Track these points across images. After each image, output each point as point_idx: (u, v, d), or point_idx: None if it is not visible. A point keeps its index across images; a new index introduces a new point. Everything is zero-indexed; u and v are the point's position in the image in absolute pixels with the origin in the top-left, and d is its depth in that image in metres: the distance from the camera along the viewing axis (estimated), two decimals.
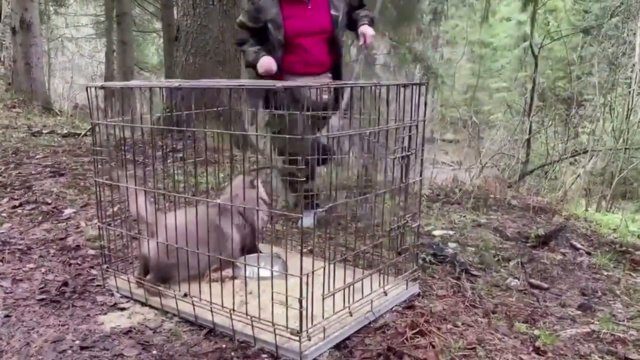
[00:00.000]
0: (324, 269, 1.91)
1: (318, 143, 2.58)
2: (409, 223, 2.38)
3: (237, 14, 4.65)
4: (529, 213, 4.23)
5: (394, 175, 2.29)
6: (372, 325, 2.12)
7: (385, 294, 2.26)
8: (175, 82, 2.19)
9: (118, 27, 10.19)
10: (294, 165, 2.47)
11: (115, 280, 2.40)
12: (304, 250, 2.14)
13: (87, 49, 15.61)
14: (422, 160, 2.37)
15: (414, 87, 2.23)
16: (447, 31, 17.51)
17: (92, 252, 2.83)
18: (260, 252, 2.57)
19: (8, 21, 9.27)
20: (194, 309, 2.10)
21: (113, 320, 2.15)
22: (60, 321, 2.12)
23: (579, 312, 2.39)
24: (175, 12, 8.36)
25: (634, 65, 9.98)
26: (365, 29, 3.06)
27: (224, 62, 5.62)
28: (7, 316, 2.15)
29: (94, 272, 2.60)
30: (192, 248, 2.18)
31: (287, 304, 1.85)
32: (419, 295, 2.43)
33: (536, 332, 2.12)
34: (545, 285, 2.69)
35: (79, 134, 6.30)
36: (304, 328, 1.86)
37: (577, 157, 8.27)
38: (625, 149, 7.43)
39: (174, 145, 4.17)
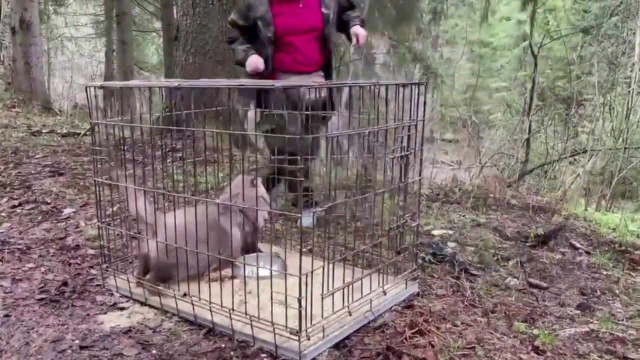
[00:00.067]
0: (323, 268, 1.92)
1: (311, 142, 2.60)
2: (408, 222, 2.38)
3: None
4: (528, 212, 4.24)
5: (393, 174, 2.29)
6: (371, 325, 2.13)
7: (385, 293, 2.26)
8: (174, 82, 2.19)
9: (118, 26, 10.19)
10: (288, 163, 2.49)
11: (115, 279, 2.40)
12: (304, 249, 2.14)
13: (87, 49, 15.60)
14: (421, 159, 2.37)
15: (413, 86, 2.23)
16: (447, 31, 17.52)
17: (91, 251, 2.83)
18: (260, 251, 2.58)
19: (8, 21, 9.26)
20: (193, 308, 2.10)
21: (113, 320, 2.15)
22: (59, 321, 2.12)
23: (578, 312, 2.40)
24: (174, 11, 8.36)
25: (633, 64, 9.98)
26: (358, 30, 3.08)
27: (223, 61, 5.62)
28: (6, 316, 2.15)
29: (93, 271, 2.60)
30: (193, 247, 2.18)
31: (286, 303, 1.86)
32: (418, 294, 2.43)
33: (535, 331, 2.12)
34: (545, 285, 2.69)
35: (78, 134, 6.30)
36: (303, 327, 1.86)
37: (576, 157, 8.28)
38: (625, 148, 7.44)
39: (174, 145, 4.18)
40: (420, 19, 10.78)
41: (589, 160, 7.58)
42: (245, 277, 2.26)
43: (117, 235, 2.53)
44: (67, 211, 3.42)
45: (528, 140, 8.54)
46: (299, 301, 1.83)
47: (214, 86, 2.26)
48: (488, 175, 6.84)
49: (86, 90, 2.32)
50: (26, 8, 8.55)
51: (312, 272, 1.84)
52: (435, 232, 3.40)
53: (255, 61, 2.98)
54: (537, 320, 2.26)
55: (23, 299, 2.30)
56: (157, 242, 2.24)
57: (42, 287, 2.40)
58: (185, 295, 2.17)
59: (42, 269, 2.60)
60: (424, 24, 11.25)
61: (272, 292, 1.90)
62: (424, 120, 2.31)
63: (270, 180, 3.00)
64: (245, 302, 2.05)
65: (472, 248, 3.14)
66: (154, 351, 1.92)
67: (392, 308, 2.27)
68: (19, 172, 4.29)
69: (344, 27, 3.20)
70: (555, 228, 3.56)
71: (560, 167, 7.90)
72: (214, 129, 2.42)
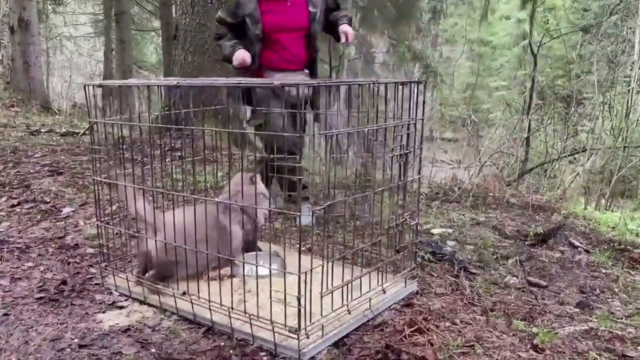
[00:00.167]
0: (323, 267, 1.91)
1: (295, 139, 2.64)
2: (407, 221, 2.38)
3: None
4: (527, 211, 4.24)
5: (393, 173, 2.29)
6: (370, 323, 2.13)
7: (384, 291, 2.26)
8: (173, 81, 2.19)
9: (117, 25, 10.17)
10: (277, 159, 2.50)
11: (114, 278, 2.40)
12: (303, 248, 2.14)
13: (86, 48, 15.58)
14: (420, 158, 2.37)
15: (413, 85, 2.23)
16: (446, 29, 17.51)
17: (90, 250, 2.83)
18: (260, 250, 2.58)
19: (6, 20, 9.26)
20: (192, 307, 2.10)
21: (112, 319, 2.15)
22: (58, 319, 2.12)
23: (577, 310, 2.40)
24: (173, 10, 8.35)
25: (633, 63, 9.98)
26: (346, 28, 3.12)
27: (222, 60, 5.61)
28: (5, 315, 2.15)
29: (92, 270, 2.60)
30: (197, 246, 2.17)
31: (285, 302, 1.86)
32: (417, 293, 2.43)
33: (534, 329, 2.12)
34: (544, 283, 2.69)
35: (77, 133, 6.29)
36: (302, 326, 1.86)
37: (576, 156, 8.28)
38: (624, 147, 7.44)
39: (173, 144, 4.17)
40: (419, 17, 10.77)
41: (588, 159, 7.58)
42: (244, 275, 2.26)
43: (116, 234, 2.53)
44: (66, 210, 3.42)
45: (528, 139, 8.54)
46: (298, 300, 1.83)
47: (213, 85, 2.26)
48: (487, 174, 6.85)
49: (85, 89, 2.32)
50: (25, 7, 8.53)
51: (311, 270, 1.84)
52: (434, 231, 3.40)
53: (242, 55, 3.00)
54: (536, 319, 2.26)
55: (22, 298, 2.30)
56: (159, 239, 2.24)
57: (41, 286, 2.40)
58: (184, 293, 2.17)
59: (41, 268, 2.60)
60: (423, 22, 11.24)
61: (271, 291, 1.90)
62: (423, 119, 2.31)
63: (265, 175, 3.02)
64: (245, 301, 2.05)
65: (472, 247, 3.14)
66: (153, 350, 1.92)
67: (392, 306, 2.27)
68: (17, 172, 4.29)
69: (330, 27, 3.24)
70: (555, 227, 3.56)
71: (559, 166, 7.90)
72: (213, 128, 2.41)
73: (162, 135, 2.88)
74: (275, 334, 1.88)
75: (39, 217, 3.32)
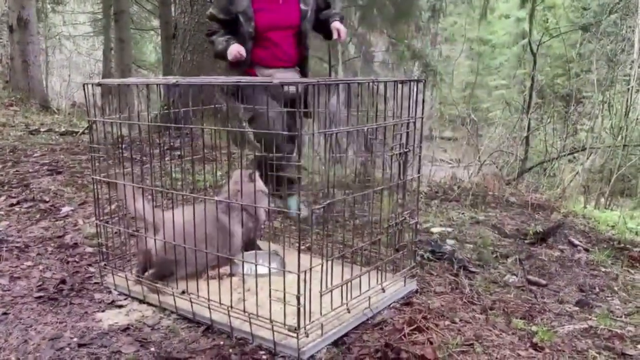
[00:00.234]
0: (322, 266, 1.91)
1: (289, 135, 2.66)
2: (407, 220, 2.38)
3: None
4: (527, 210, 4.24)
5: (392, 172, 2.29)
6: (369, 322, 2.13)
7: (383, 290, 2.26)
8: (172, 79, 2.19)
9: (116, 24, 10.15)
10: (267, 151, 2.52)
11: (113, 277, 2.40)
12: (302, 247, 2.14)
13: (85, 47, 15.55)
14: (420, 157, 2.37)
15: (412, 83, 2.22)
16: (446, 28, 17.48)
17: (89, 249, 2.82)
18: (259, 248, 2.58)
19: (5, 19, 9.25)
20: (191, 306, 2.10)
21: (111, 318, 2.15)
22: (58, 318, 2.12)
23: (577, 309, 2.40)
24: (172, 9, 8.34)
25: (632, 62, 9.97)
26: (338, 25, 3.14)
27: None
28: (5, 314, 2.15)
29: (91, 269, 2.60)
30: (198, 245, 2.17)
31: (285, 300, 1.86)
32: (416, 291, 2.43)
33: (534, 328, 2.13)
34: (543, 282, 2.69)
35: (76, 132, 6.29)
36: (301, 325, 1.86)
37: (575, 155, 8.27)
38: (624, 146, 7.43)
39: (172, 143, 4.17)
40: (419, 16, 10.74)
41: (588, 158, 7.57)
42: (243, 274, 2.26)
43: (116, 233, 2.53)
44: (66, 209, 3.42)
45: (527, 138, 8.53)
46: (298, 298, 1.83)
47: (212, 83, 2.26)
48: (487, 173, 6.85)
49: (84, 88, 2.31)
50: (24, 6, 8.52)
51: (310, 269, 1.84)
52: (434, 230, 3.40)
53: (236, 49, 3.01)
54: (536, 317, 2.26)
55: (21, 297, 2.29)
56: (158, 239, 2.23)
57: (40, 285, 2.40)
58: (183, 292, 2.17)
59: (41, 267, 2.60)
60: (422, 21, 11.20)
61: (270, 290, 1.90)
62: (422, 118, 2.30)
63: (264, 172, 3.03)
64: (244, 300, 2.05)
65: (471, 245, 3.14)
66: (152, 349, 1.92)
67: (391, 305, 2.27)
68: (17, 171, 4.28)
69: (321, 26, 3.26)
70: (554, 225, 3.56)
71: (559, 165, 7.89)
72: (212, 127, 2.41)
73: (161, 134, 2.88)
74: (275, 333, 1.88)
75: (38, 216, 3.32)
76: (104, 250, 2.45)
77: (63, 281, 2.43)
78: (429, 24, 11.44)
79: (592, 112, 8.97)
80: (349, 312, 2.07)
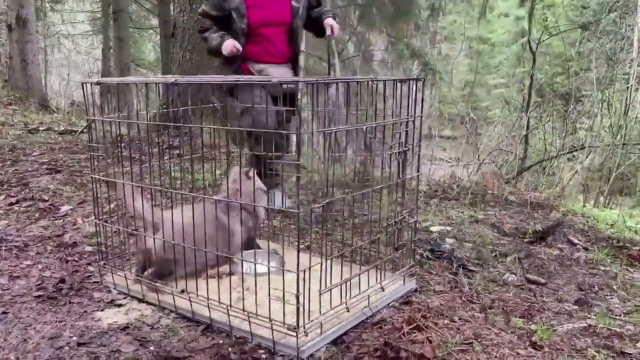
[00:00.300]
0: (321, 264, 1.91)
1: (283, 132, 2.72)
2: (406, 219, 2.38)
3: None
4: (526, 209, 4.24)
5: (391, 171, 2.29)
6: (369, 321, 2.13)
7: (383, 289, 2.26)
8: (171, 78, 2.19)
9: (115, 23, 10.15)
10: (256, 143, 2.53)
11: (113, 276, 2.40)
12: (301, 246, 2.14)
13: (84, 46, 15.54)
14: (419, 156, 2.37)
15: (411, 82, 2.22)
16: (445, 27, 17.48)
17: (89, 248, 2.82)
18: (259, 247, 2.57)
19: (4, 18, 9.23)
20: (191, 305, 2.10)
21: (110, 317, 2.15)
22: (57, 318, 2.12)
23: (576, 307, 2.40)
24: (171, 8, 8.32)
25: (632, 60, 9.97)
26: (331, 21, 3.19)
27: None
28: (4, 313, 2.15)
29: (91, 268, 2.60)
30: (198, 244, 2.17)
31: (284, 299, 1.86)
32: (416, 290, 2.43)
33: (533, 327, 2.13)
34: (543, 281, 2.69)
35: (75, 131, 6.28)
36: (301, 324, 1.86)
37: (575, 153, 8.27)
38: (623, 144, 7.42)
39: (171, 142, 4.16)
40: (418, 15, 10.73)
41: (587, 157, 7.57)
42: (243, 273, 2.26)
43: (115, 232, 2.53)
44: (65, 208, 3.42)
45: (526, 136, 8.53)
46: (297, 297, 1.83)
47: (211, 82, 2.25)
48: (486, 171, 6.84)
49: (83, 87, 2.31)
50: (22, 5, 8.51)
51: (309, 268, 1.84)
52: (433, 229, 3.40)
53: (231, 43, 3.04)
54: (535, 316, 2.26)
55: (20, 296, 2.29)
56: (159, 238, 2.23)
57: (39, 284, 2.40)
58: (183, 291, 2.17)
59: (40, 266, 2.59)
60: (422, 20, 11.20)
61: (269, 289, 1.90)
62: (421, 117, 2.30)
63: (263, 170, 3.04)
64: (243, 299, 2.05)
65: (470, 244, 3.14)
66: (151, 348, 1.92)
67: (390, 304, 2.27)
68: (16, 170, 4.28)
69: (313, 23, 3.30)
70: (553, 224, 3.56)
71: (558, 164, 7.88)
72: (211, 126, 2.41)
73: (160, 133, 2.88)
74: (274, 332, 1.88)
75: (37, 215, 3.31)
76: (103, 249, 2.44)
77: (62, 280, 2.43)
78: (428, 22, 11.44)
79: (592, 111, 8.97)
80: (348, 311, 2.07)
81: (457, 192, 4.56)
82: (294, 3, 3.21)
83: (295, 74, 3.33)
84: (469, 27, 15.63)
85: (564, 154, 8.00)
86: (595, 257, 3.11)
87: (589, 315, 2.30)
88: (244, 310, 1.96)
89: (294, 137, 3.46)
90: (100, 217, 2.42)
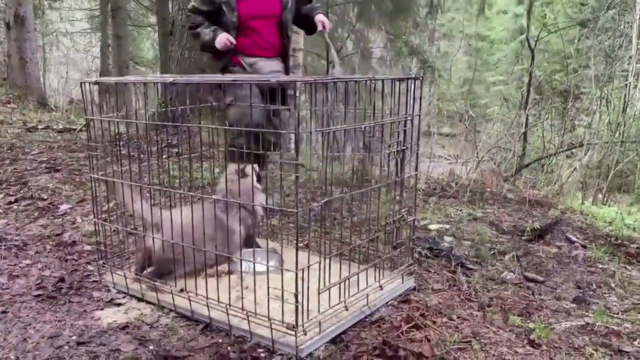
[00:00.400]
0: (320, 263, 1.92)
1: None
2: (404, 217, 2.38)
3: None
4: (525, 206, 4.25)
5: (390, 169, 2.29)
6: (367, 319, 2.13)
7: (381, 288, 2.26)
8: (169, 78, 2.19)
9: (113, 21, 10.12)
10: (244, 136, 2.53)
11: (112, 275, 2.40)
12: (300, 244, 2.14)
13: (82, 44, 15.50)
14: (417, 154, 2.37)
15: (409, 81, 2.22)
16: (444, 24, 17.45)
17: (88, 247, 2.82)
18: (258, 246, 2.58)
19: (2, 16, 9.21)
20: (190, 304, 2.11)
21: (110, 316, 2.15)
22: (56, 317, 2.13)
23: (574, 305, 2.41)
24: (170, 6, 8.30)
25: (630, 57, 9.98)
26: (322, 17, 3.22)
27: None
28: (3, 312, 2.15)
29: (90, 267, 2.60)
30: (197, 244, 2.17)
31: (283, 298, 1.86)
32: (414, 289, 2.44)
33: (531, 325, 2.14)
34: (541, 279, 2.70)
35: (74, 129, 6.28)
36: (299, 322, 1.87)
37: (573, 150, 8.27)
38: (622, 142, 7.43)
39: (169, 140, 4.16)
40: (416, 12, 10.72)
41: (585, 154, 7.58)
42: (242, 272, 2.27)
43: (114, 231, 2.53)
44: (64, 207, 3.42)
45: (525, 134, 8.53)
46: (296, 296, 1.83)
47: (209, 81, 2.25)
48: (485, 169, 6.85)
49: (81, 86, 2.31)
50: (20, 3, 8.49)
51: (308, 267, 1.85)
52: (431, 227, 3.40)
53: (225, 37, 3.05)
54: (533, 314, 2.27)
55: (20, 296, 2.30)
56: (158, 238, 2.23)
57: (39, 284, 2.40)
58: (182, 290, 2.17)
59: (39, 265, 2.60)
60: (420, 17, 11.18)
61: (268, 288, 1.91)
62: (420, 115, 2.31)
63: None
64: (242, 298, 2.06)
65: (469, 242, 3.15)
66: (151, 347, 1.93)
67: (389, 303, 2.28)
68: (15, 169, 4.28)
69: (304, 20, 3.32)
70: (552, 222, 3.57)
71: (557, 161, 7.89)
72: (209, 124, 2.41)
73: (158, 131, 2.88)
74: (273, 331, 1.89)
75: (36, 214, 3.32)
76: (102, 248, 2.45)
77: (62, 279, 2.43)
78: (427, 20, 11.41)
79: (590, 108, 8.97)
80: (347, 309, 2.07)
81: (456, 190, 4.57)
82: None
83: (286, 67, 3.34)
84: (467, 25, 15.60)
85: (562, 151, 8.00)
86: (593, 255, 3.12)
87: (586, 313, 2.31)
88: (243, 309, 1.96)
89: (287, 133, 3.48)
90: (99, 217, 2.42)
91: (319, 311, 1.96)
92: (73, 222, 3.18)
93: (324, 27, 3.21)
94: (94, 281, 2.46)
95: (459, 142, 9.69)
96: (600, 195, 6.78)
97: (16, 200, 3.53)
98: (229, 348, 1.92)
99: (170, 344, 1.95)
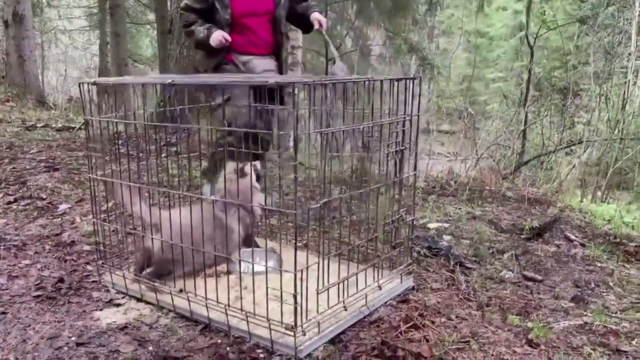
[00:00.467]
0: (319, 264, 1.92)
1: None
2: (403, 217, 2.38)
3: None
4: (524, 204, 4.25)
5: (389, 169, 2.29)
6: (366, 320, 2.14)
7: (380, 288, 2.27)
8: (168, 78, 2.18)
9: (111, 18, 10.09)
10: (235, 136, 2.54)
11: (111, 276, 2.40)
12: (299, 244, 2.14)
13: (81, 41, 15.48)
14: (416, 154, 2.37)
15: (408, 81, 2.22)
16: (443, 21, 17.43)
17: (87, 248, 2.83)
18: (258, 246, 2.58)
19: (0, 14, 9.18)
20: (189, 304, 2.11)
21: (109, 316, 2.15)
22: (56, 318, 2.13)
23: (572, 304, 2.41)
24: (168, 4, 8.28)
25: (630, 54, 9.97)
26: (318, 15, 3.21)
27: None
28: (3, 313, 2.15)
29: (89, 268, 2.60)
30: (197, 244, 2.17)
31: (281, 299, 1.86)
32: (413, 288, 2.44)
33: (529, 324, 2.14)
34: (539, 278, 2.71)
35: (73, 128, 6.27)
36: (298, 323, 1.87)
37: (572, 148, 8.28)
38: (621, 139, 7.44)
39: (168, 139, 4.16)
40: (416, 9, 10.69)
41: (584, 151, 7.58)
42: (240, 272, 2.27)
43: (113, 231, 2.53)
44: (63, 207, 3.42)
45: (524, 131, 8.53)
46: (294, 297, 1.83)
47: (208, 83, 2.25)
48: (484, 166, 6.85)
49: (80, 87, 2.31)
50: (19, 1, 8.47)
51: (307, 267, 1.85)
52: (430, 226, 3.41)
53: (220, 34, 3.04)
54: (532, 313, 2.27)
55: (19, 296, 2.30)
56: (157, 238, 2.23)
57: (38, 284, 2.40)
58: (181, 291, 2.17)
59: (38, 266, 2.60)
60: (419, 14, 11.16)
61: (267, 288, 1.91)
62: (418, 115, 2.31)
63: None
64: (241, 298, 2.06)
65: (468, 241, 3.15)
66: (150, 347, 1.93)
67: (388, 302, 2.28)
68: (13, 168, 4.27)
69: (299, 19, 3.31)
70: (551, 220, 3.58)
71: (556, 158, 7.89)
72: (207, 123, 2.41)
73: (157, 130, 2.88)
74: (272, 331, 1.89)
75: (35, 214, 3.31)
76: (102, 248, 2.45)
77: (61, 280, 2.44)
78: (426, 17, 11.40)
79: (589, 105, 8.97)
80: (345, 309, 2.08)
81: (455, 188, 4.57)
82: None
83: (279, 65, 3.34)
84: (466, 21, 15.56)
85: (561, 148, 8.00)
86: (592, 254, 3.12)
87: (585, 313, 2.32)
88: (242, 309, 1.96)
89: (283, 133, 3.47)
90: (98, 217, 2.42)
91: (317, 311, 1.96)
92: (72, 222, 3.18)
93: (320, 25, 3.21)
94: (93, 281, 2.46)
95: (458, 139, 9.70)
96: (599, 193, 6.79)
97: (15, 200, 3.53)
98: (228, 348, 1.92)
99: (170, 345, 1.95)
